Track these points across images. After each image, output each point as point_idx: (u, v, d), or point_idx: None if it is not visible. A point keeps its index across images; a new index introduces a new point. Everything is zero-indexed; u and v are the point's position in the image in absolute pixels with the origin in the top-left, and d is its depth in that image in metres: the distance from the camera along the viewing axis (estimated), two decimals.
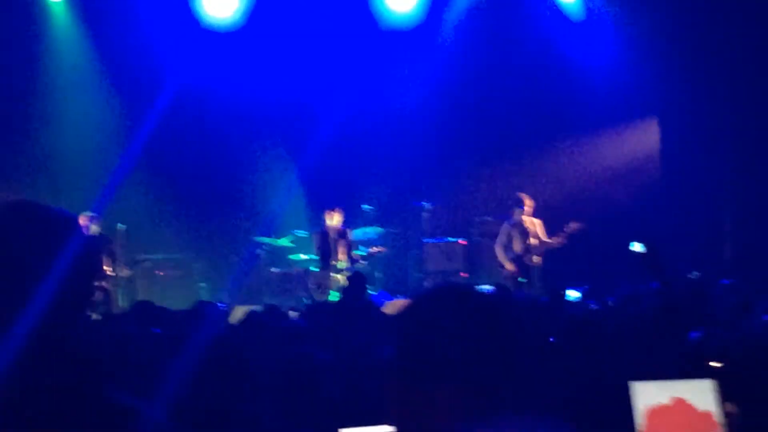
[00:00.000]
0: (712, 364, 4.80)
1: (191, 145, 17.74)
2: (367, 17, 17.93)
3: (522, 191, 15.63)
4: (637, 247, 10.81)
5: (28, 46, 17.25)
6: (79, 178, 16.92)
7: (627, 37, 17.40)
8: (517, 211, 15.29)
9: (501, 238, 15.35)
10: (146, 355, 6.47)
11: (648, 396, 4.23)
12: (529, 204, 15.25)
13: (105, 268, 14.93)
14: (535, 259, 15.21)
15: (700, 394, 4.25)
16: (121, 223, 15.41)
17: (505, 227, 15.37)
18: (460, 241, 17.07)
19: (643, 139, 17.76)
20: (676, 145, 17.02)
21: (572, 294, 12.37)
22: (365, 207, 16.74)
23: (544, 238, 15.19)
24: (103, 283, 14.80)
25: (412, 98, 17.82)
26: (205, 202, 17.71)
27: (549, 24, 17.91)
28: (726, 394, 4.33)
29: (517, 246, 15.18)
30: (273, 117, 17.76)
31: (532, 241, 15.15)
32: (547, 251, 15.23)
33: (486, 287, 12.57)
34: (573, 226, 15.01)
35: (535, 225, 15.27)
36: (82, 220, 14.80)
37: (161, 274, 16.26)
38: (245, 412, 3.91)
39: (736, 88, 16.38)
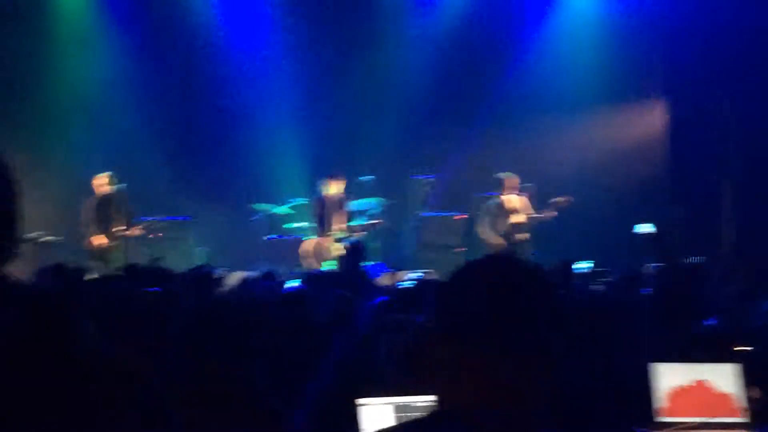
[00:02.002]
0: (737, 348, 4.68)
1: (195, 108, 17.80)
2: None
3: (523, 169, 15.57)
4: (645, 227, 10.74)
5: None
6: (92, 136, 16.99)
7: (638, 17, 17.30)
8: (502, 189, 15.28)
9: (484, 217, 15.31)
10: (143, 313, 6.36)
11: (671, 377, 4.12)
12: (509, 184, 15.18)
13: (119, 227, 14.87)
14: (520, 236, 15.14)
15: (724, 378, 4.15)
16: (121, 182, 15.25)
17: (488, 206, 15.33)
18: (459, 215, 16.95)
19: (650, 119, 17.67)
20: (684, 127, 16.90)
21: (582, 265, 12.30)
22: (365, 178, 16.61)
23: (532, 214, 15.08)
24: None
25: (416, 70, 17.71)
26: (205, 166, 17.61)
27: None
28: (750, 379, 4.21)
29: (501, 225, 15.14)
30: (277, 83, 17.68)
31: (515, 218, 15.08)
32: (538, 226, 15.20)
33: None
34: (560, 199, 14.99)
35: (517, 202, 15.22)
36: (101, 180, 14.88)
37: (159, 236, 16.09)
38: (241, 377, 3.78)
39: (743, 75, 16.23)
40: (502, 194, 15.22)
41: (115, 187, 15.01)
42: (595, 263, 13.20)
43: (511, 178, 15.23)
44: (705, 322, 5.76)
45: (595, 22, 17.91)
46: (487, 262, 2.12)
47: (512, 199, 15.16)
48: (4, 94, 16.60)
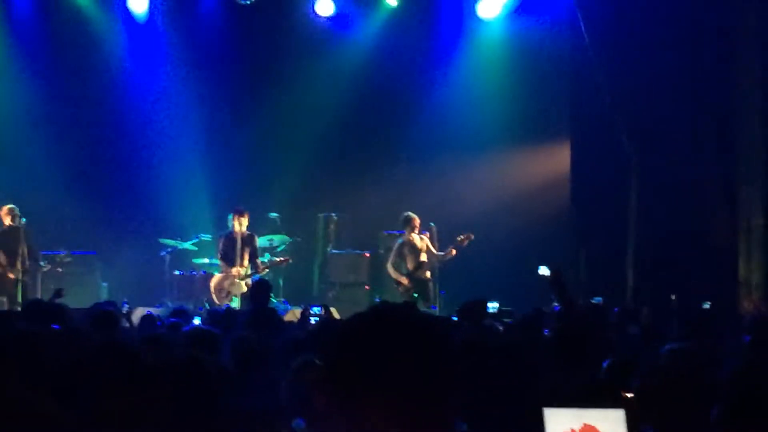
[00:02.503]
0: (624, 394, 4.80)
1: (100, 141, 17.60)
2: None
3: (428, 208, 15.84)
4: (543, 270, 10.90)
5: None
6: None
7: (544, 60, 17.59)
8: (407, 229, 15.43)
9: (392, 258, 15.61)
10: (42, 352, 6.30)
11: (559, 423, 4.21)
12: (416, 222, 15.44)
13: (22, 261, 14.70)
14: (426, 274, 15.45)
15: (611, 423, 4.24)
16: (23, 216, 14.98)
17: (395, 246, 15.59)
18: (365, 253, 17.05)
19: (554, 160, 17.93)
20: (586, 167, 17.18)
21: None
22: (272, 215, 16.62)
23: (435, 251, 15.37)
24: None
25: (325, 109, 17.75)
26: (111, 199, 17.44)
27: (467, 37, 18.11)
28: (635, 424, 4.33)
29: (410, 263, 15.41)
30: (186, 119, 17.62)
31: (423, 257, 15.38)
32: (442, 266, 15.46)
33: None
34: (462, 237, 15.34)
35: (424, 240, 15.48)
36: (3, 212, 14.64)
37: (61, 271, 15.89)
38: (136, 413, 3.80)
39: (642, 112, 16.56)
40: (407, 233, 15.39)
41: (17, 220, 14.74)
42: (500, 303, 13.40)
43: (416, 218, 15.43)
44: (603, 364, 5.87)
45: (504, 64, 18.14)
46: (376, 316, 2.14)
47: (415, 238, 15.37)
48: None
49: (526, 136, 17.92)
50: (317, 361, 4.97)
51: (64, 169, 17.15)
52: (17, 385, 1.98)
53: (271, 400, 5.18)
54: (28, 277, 14.96)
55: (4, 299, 14.40)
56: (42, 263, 15.52)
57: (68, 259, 16.22)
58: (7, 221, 14.81)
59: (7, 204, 14.96)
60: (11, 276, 14.68)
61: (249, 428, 4.84)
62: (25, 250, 14.70)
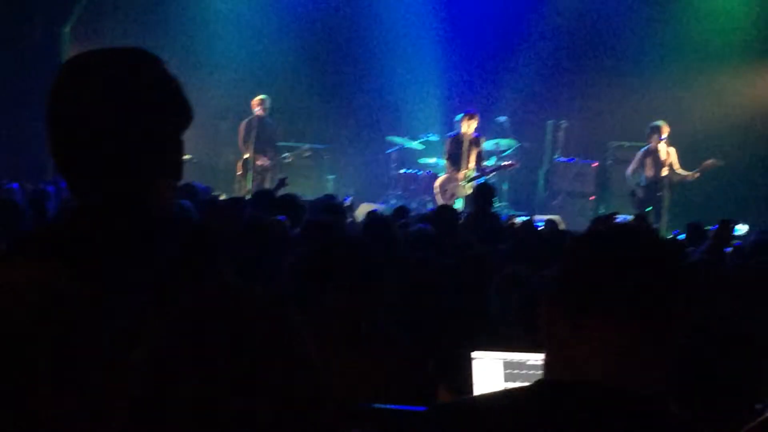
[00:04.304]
0: None
1: (342, 40, 17.75)
2: None
3: (663, 118, 15.17)
4: None
5: None
6: (217, 60, 17.11)
7: None
8: (654, 138, 14.86)
9: (634, 165, 15.05)
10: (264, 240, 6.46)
11: None
12: (666, 132, 14.79)
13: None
14: (665, 189, 14.83)
15: None
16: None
17: (639, 154, 15.02)
18: (592, 163, 16.78)
19: None
20: None
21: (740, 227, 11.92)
22: (500, 119, 16.53)
23: (678, 170, 14.80)
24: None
25: (553, 11, 17.40)
26: (343, 95, 17.70)
27: None
28: None
29: (649, 174, 14.84)
30: (420, 21, 17.56)
31: (665, 171, 14.76)
32: (678, 183, 14.86)
33: (624, 216, 12.24)
34: (710, 162, 14.60)
35: (670, 155, 14.86)
36: (256, 102, 15.30)
37: (290, 160, 16.33)
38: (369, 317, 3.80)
39: None
40: (655, 143, 14.93)
41: (267, 112, 15.34)
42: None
43: (666, 127, 14.85)
44: None
45: None
46: (614, 233, 2.08)
47: (662, 149, 14.85)
48: None
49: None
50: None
51: (301, 67, 17.48)
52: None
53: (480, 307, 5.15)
54: (270, 166, 15.48)
55: (240, 185, 14.98)
56: (286, 155, 16.08)
57: (308, 153, 16.69)
58: (258, 111, 15.33)
59: (260, 95, 15.48)
60: (259, 163, 15.28)
61: (463, 326, 4.84)
62: (269, 141, 15.33)
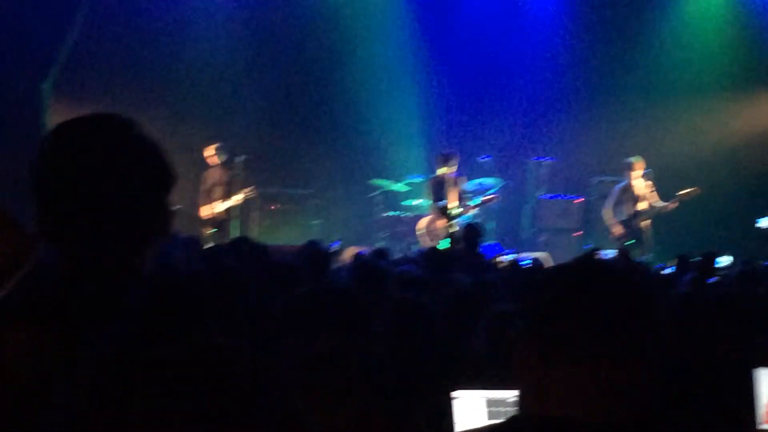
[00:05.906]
0: None
1: (321, 83, 17.73)
2: None
3: (640, 153, 15.28)
4: (764, 222, 10.46)
5: None
6: (199, 108, 16.94)
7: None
8: (627, 174, 14.98)
9: (610, 201, 15.19)
10: (246, 292, 6.42)
11: None
12: (639, 167, 14.92)
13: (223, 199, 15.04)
14: (644, 223, 14.93)
15: None
16: (241, 154, 15.34)
17: (615, 190, 15.15)
18: (577, 199, 16.85)
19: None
20: None
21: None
22: (484, 158, 16.58)
23: (656, 202, 14.90)
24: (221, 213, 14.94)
25: (534, 51, 17.56)
26: (325, 141, 17.68)
27: None
28: None
29: (628, 209, 14.96)
30: (402, 62, 17.67)
31: (641, 205, 14.88)
32: (657, 216, 14.94)
33: (609, 252, 12.31)
34: (687, 191, 14.67)
35: (645, 188, 14.97)
36: (209, 151, 15.00)
37: (274, 207, 16.31)
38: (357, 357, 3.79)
39: None
40: (630, 179, 15.02)
41: (225, 158, 15.02)
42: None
43: (640, 162, 14.98)
44: None
45: (721, 9, 17.56)
46: (581, 267, 2.09)
47: (639, 185, 14.96)
48: None
49: (749, 83, 17.26)
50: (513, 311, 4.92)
51: (282, 106, 17.44)
52: (216, 329, 2.01)
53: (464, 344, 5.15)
54: (244, 214, 15.30)
55: (217, 234, 14.73)
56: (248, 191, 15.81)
57: (282, 196, 16.57)
58: (214, 160, 15.06)
59: (214, 143, 15.23)
60: (224, 212, 15.00)
61: (445, 366, 4.84)
62: (239, 187, 15.06)
